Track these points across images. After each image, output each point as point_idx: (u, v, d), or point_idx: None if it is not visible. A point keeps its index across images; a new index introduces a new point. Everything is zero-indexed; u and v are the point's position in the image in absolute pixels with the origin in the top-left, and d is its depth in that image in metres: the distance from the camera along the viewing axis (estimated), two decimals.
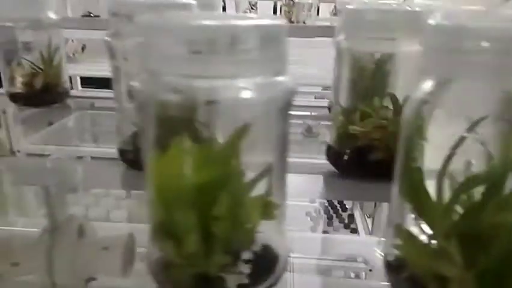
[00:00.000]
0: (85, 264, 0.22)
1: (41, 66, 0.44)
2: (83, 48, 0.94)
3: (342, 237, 0.31)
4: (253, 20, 0.15)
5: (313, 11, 1.18)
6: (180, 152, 0.16)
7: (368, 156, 0.29)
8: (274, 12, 1.71)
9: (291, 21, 1.32)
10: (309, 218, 0.32)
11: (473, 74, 0.15)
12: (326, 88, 0.62)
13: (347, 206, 0.34)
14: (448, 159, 0.16)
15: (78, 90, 0.62)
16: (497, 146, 0.16)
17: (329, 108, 0.45)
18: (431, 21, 0.15)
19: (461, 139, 0.15)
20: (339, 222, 0.33)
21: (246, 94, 0.15)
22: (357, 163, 0.30)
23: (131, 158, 0.31)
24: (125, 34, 0.27)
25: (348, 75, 0.30)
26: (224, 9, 1.74)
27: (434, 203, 0.16)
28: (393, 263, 0.18)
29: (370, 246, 0.27)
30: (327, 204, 0.31)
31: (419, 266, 0.17)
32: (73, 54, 0.87)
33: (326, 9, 1.68)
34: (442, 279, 0.16)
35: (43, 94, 0.44)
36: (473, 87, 0.15)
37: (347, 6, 0.29)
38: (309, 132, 0.43)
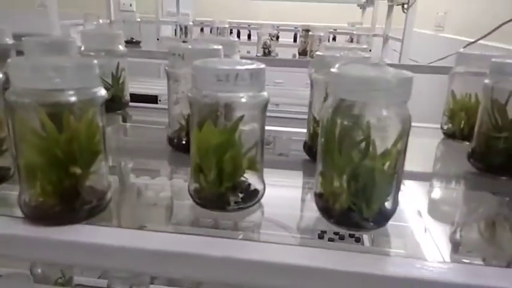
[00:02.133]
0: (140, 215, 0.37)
1: (111, 83, 0.62)
2: None
3: None
4: (248, 65, 0.32)
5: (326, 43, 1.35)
6: (209, 129, 0.33)
7: None
8: (295, 40, 1.89)
9: (305, 50, 1.49)
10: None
11: (350, 96, 0.31)
12: None
13: None
14: (342, 138, 0.32)
15: None
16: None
17: None
18: (332, 69, 0.32)
19: (350, 127, 0.31)
20: None
21: (244, 100, 0.32)
22: None
23: (175, 143, 0.48)
24: (177, 66, 0.45)
25: (317, 95, 0.46)
26: (249, 37, 1.94)
27: (336, 160, 0.32)
28: (318, 193, 0.34)
29: None
30: None
31: (328, 191, 0.33)
32: None
33: (342, 39, 1.86)
34: (336, 195, 0.32)
35: (111, 103, 0.62)
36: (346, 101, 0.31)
37: (316, 53, 0.45)
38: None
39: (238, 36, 1.81)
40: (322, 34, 1.32)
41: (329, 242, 0.33)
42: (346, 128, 0.31)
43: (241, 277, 0.29)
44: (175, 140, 0.48)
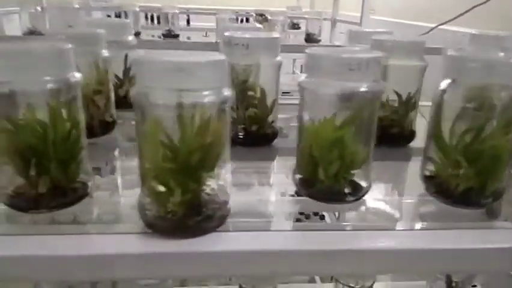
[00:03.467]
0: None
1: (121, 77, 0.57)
2: None
3: None
4: (364, 53, 0.31)
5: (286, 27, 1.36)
6: (331, 122, 0.32)
7: (389, 130, 0.46)
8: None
9: None
10: None
11: (466, 78, 0.32)
12: None
13: None
14: (455, 121, 0.33)
15: None
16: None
17: None
18: (450, 53, 0.32)
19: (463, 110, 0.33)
20: None
21: (364, 89, 0.31)
22: (381, 136, 0.47)
23: (233, 138, 0.46)
24: (239, 57, 0.42)
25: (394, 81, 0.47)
26: (188, 22, 1.88)
27: (447, 144, 0.33)
28: (428, 176, 0.35)
29: None
30: None
31: (445, 173, 0.34)
32: None
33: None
34: (455, 177, 0.33)
35: (124, 100, 0.57)
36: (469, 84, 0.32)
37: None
38: None
39: (188, 23, 1.74)
40: (282, 18, 1.33)
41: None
42: (467, 110, 0.32)
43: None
44: (240, 138, 0.46)
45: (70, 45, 0.30)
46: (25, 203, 0.30)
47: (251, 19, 1.71)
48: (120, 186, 0.39)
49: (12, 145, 0.29)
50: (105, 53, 0.46)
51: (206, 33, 1.83)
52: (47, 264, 0.27)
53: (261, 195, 0.39)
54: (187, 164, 0.27)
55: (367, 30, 0.57)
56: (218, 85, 0.27)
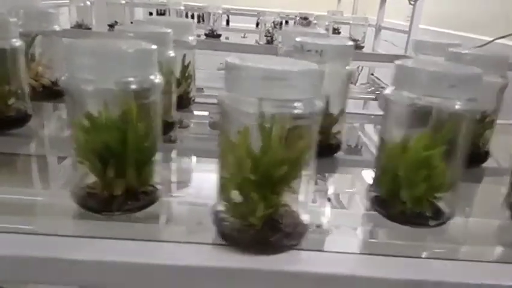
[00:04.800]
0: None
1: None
2: None
3: None
4: (461, 69, 0.29)
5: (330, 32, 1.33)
6: (424, 138, 0.30)
7: None
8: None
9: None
10: None
11: None
12: None
13: None
14: None
15: None
16: None
17: None
18: None
19: None
20: None
21: (458, 106, 0.29)
22: None
23: None
24: None
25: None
26: (227, 22, 1.87)
27: None
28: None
29: None
30: None
31: None
32: None
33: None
34: None
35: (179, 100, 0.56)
36: None
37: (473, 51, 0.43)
38: None
39: (228, 23, 1.74)
40: (326, 23, 1.30)
41: None
42: None
43: None
44: None
45: (155, 46, 0.29)
46: (98, 204, 0.30)
47: (291, 22, 1.70)
48: (186, 191, 0.38)
49: (92, 144, 0.28)
50: (171, 53, 0.45)
51: (244, 35, 1.83)
52: (116, 270, 0.27)
53: (326, 209, 0.38)
54: (273, 176, 0.26)
55: (434, 40, 0.54)
56: (311, 95, 0.25)
